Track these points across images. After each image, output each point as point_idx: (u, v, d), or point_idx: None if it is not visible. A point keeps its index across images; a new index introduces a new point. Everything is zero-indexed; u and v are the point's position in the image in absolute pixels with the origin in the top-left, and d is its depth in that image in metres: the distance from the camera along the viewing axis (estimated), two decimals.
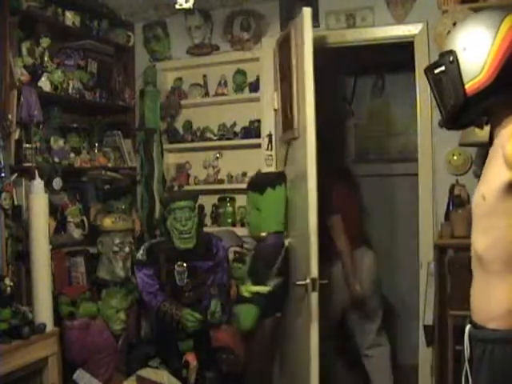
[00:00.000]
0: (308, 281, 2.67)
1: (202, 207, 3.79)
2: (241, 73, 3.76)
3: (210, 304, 3.16)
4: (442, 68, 1.53)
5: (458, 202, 2.97)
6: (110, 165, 3.63)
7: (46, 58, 3.13)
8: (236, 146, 3.78)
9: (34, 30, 3.10)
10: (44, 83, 3.08)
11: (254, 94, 3.69)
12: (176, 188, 3.77)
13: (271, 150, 3.60)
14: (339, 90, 4.51)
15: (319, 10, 3.44)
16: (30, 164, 2.90)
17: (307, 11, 2.79)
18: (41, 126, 3.02)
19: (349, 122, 4.61)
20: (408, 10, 3.25)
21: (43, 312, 2.66)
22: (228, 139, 3.77)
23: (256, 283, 2.78)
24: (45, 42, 3.12)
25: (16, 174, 2.86)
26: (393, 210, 4.42)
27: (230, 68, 3.78)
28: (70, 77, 3.30)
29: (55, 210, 3.13)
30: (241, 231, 3.68)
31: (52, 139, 3.25)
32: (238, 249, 3.61)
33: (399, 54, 3.42)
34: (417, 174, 3.31)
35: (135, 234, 3.38)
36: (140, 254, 3.24)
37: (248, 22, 3.67)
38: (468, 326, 1.55)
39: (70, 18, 3.34)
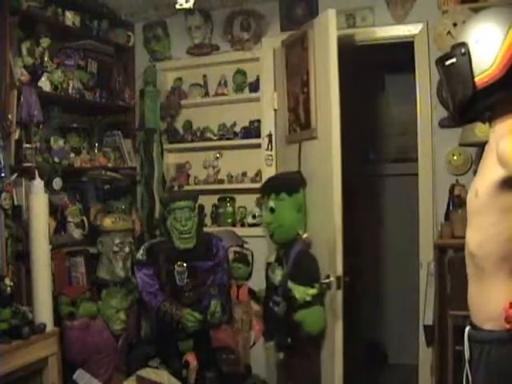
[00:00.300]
0: (332, 279, 2.72)
1: (202, 207, 3.79)
2: (241, 73, 3.76)
3: (209, 304, 3.16)
4: (454, 59, 1.53)
5: (458, 202, 2.97)
6: (110, 165, 3.63)
7: (46, 58, 3.13)
8: (236, 146, 3.78)
9: (34, 30, 3.10)
10: (44, 83, 3.08)
11: (253, 94, 3.69)
12: (176, 188, 3.77)
13: (271, 150, 3.60)
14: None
15: (319, 10, 3.44)
16: (29, 164, 2.90)
17: (332, 12, 2.79)
18: (41, 126, 3.02)
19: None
20: (408, 10, 3.25)
21: (43, 312, 2.65)
22: (228, 139, 3.77)
23: (305, 284, 2.76)
24: (45, 42, 3.12)
25: (16, 174, 2.86)
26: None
27: (230, 68, 3.78)
28: (70, 77, 3.30)
29: (55, 210, 3.13)
30: (241, 231, 3.69)
31: (52, 139, 3.25)
32: (238, 249, 3.61)
33: (399, 54, 3.42)
34: (417, 174, 3.31)
35: (135, 234, 3.38)
36: (140, 254, 3.25)
37: (248, 22, 3.68)
38: (467, 327, 1.56)
39: (70, 18, 3.34)
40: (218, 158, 3.85)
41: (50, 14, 3.21)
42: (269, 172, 3.60)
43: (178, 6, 2.82)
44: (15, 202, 2.80)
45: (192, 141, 3.85)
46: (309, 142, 3.03)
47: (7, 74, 2.87)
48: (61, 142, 3.31)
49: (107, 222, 3.20)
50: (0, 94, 2.84)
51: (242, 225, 3.74)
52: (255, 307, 3.62)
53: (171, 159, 3.98)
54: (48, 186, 2.90)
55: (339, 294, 2.72)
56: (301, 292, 2.71)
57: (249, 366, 3.60)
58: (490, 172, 1.45)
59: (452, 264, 2.85)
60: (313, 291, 2.72)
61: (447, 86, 1.59)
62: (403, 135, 4.43)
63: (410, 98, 3.40)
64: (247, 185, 3.72)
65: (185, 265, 3.17)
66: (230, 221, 3.77)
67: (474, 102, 1.51)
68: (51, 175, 2.98)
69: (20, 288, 2.78)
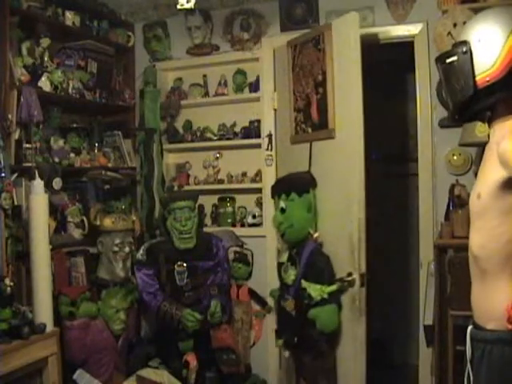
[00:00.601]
0: (355, 276, 2.76)
1: (202, 207, 3.79)
2: (241, 73, 3.76)
3: (210, 304, 3.16)
4: (455, 58, 1.53)
5: (458, 202, 2.96)
6: (110, 165, 3.63)
7: (46, 58, 3.14)
8: (236, 146, 3.78)
9: (33, 30, 3.10)
10: (44, 83, 3.08)
11: (253, 94, 3.69)
12: (176, 188, 3.77)
13: (271, 150, 3.60)
14: None
15: (319, 10, 3.44)
16: (30, 164, 2.89)
17: (355, 15, 2.85)
18: (41, 126, 3.02)
19: None
20: (408, 10, 3.25)
21: (43, 312, 2.65)
22: (228, 139, 3.76)
23: (321, 283, 2.78)
24: (45, 42, 3.12)
25: (16, 174, 2.86)
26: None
27: (230, 68, 3.78)
28: (70, 77, 3.30)
29: (55, 210, 3.12)
30: (241, 231, 3.69)
31: (52, 139, 3.25)
32: (237, 249, 3.61)
33: (399, 54, 3.42)
34: (417, 174, 3.31)
35: (135, 233, 3.37)
36: (140, 254, 3.25)
37: (248, 22, 3.67)
38: (470, 327, 1.56)
39: (70, 18, 3.34)
40: (218, 157, 3.85)
41: (50, 13, 3.21)
42: (269, 172, 3.60)
43: (179, 7, 2.82)
44: (15, 202, 2.80)
45: (192, 141, 3.85)
46: (323, 142, 3.04)
47: (7, 74, 2.87)
48: (61, 142, 3.31)
49: (107, 222, 3.20)
50: (0, 94, 2.84)
51: (242, 225, 3.74)
52: (255, 307, 3.63)
53: (171, 159, 3.98)
54: (48, 186, 2.90)
55: (363, 291, 2.77)
56: (317, 290, 2.75)
57: (249, 366, 3.61)
58: (491, 174, 1.44)
59: (452, 264, 2.85)
60: (331, 288, 2.76)
61: (447, 84, 1.59)
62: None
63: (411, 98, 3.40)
64: (247, 185, 3.71)
65: (185, 265, 3.18)
66: (229, 221, 3.77)
67: (475, 102, 1.51)
68: (51, 175, 2.98)
69: (20, 288, 2.78)
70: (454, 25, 3.03)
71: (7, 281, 2.55)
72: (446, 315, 2.87)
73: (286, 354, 2.92)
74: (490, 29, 1.48)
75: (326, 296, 2.73)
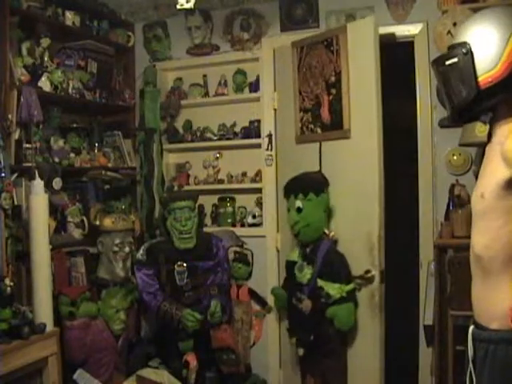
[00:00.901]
0: (374, 273, 2.84)
1: (202, 207, 3.79)
2: (241, 73, 3.76)
3: (210, 304, 3.16)
4: (455, 59, 1.52)
5: (458, 202, 2.96)
6: (110, 165, 3.63)
7: (46, 58, 3.14)
8: (236, 146, 3.78)
9: (33, 30, 3.10)
10: (44, 83, 3.08)
11: (253, 94, 3.69)
12: (176, 188, 3.77)
13: (271, 150, 3.60)
14: None
15: (319, 10, 3.44)
16: (30, 164, 2.89)
17: (372, 20, 2.93)
18: (41, 126, 3.02)
19: None
20: (408, 10, 3.25)
21: (43, 312, 2.65)
22: (228, 139, 3.76)
23: (340, 281, 2.81)
24: (45, 42, 3.13)
25: (16, 174, 2.86)
26: None
27: (230, 68, 3.78)
28: (70, 77, 3.30)
29: (55, 210, 3.13)
30: (241, 231, 3.69)
31: (52, 139, 3.25)
32: (237, 249, 3.61)
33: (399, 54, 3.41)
34: (417, 174, 3.31)
35: (135, 233, 3.38)
36: (140, 254, 3.25)
37: (248, 22, 3.67)
38: (471, 327, 1.55)
39: (70, 18, 3.34)
40: (218, 157, 3.85)
41: (50, 13, 3.21)
42: (269, 172, 3.60)
43: (178, 7, 2.82)
44: (15, 202, 2.80)
45: (192, 141, 3.85)
46: (336, 142, 3.07)
47: (7, 74, 2.87)
48: (61, 142, 3.31)
49: (107, 222, 3.20)
50: (0, 94, 2.84)
51: (242, 225, 3.74)
52: (255, 307, 3.63)
53: (171, 159, 3.98)
54: (48, 186, 2.90)
55: (382, 288, 2.86)
56: (335, 289, 2.79)
57: (249, 366, 3.61)
58: (495, 173, 1.44)
59: (452, 264, 2.85)
60: (350, 287, 2.81)
61: (446, 86, 1.58)
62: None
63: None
64: (247, 185, 3.71)
65: (185, 265, 3.17)
66: (229, 221, 3.77)
67: (477, 103, 1.50)
68: (51, 175, 2.98)
69: (20, 288, 2.78)
70: (454, 24, 3.03)
71: (7, 281, 2.55)
72: (446, 315, 2.87)
73: (301, 351, 2.93)
74: (492, 29, 1.47)
75: (344, 294, 2.78)
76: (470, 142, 2.82)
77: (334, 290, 2.79)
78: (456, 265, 2.79)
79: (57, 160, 3.19)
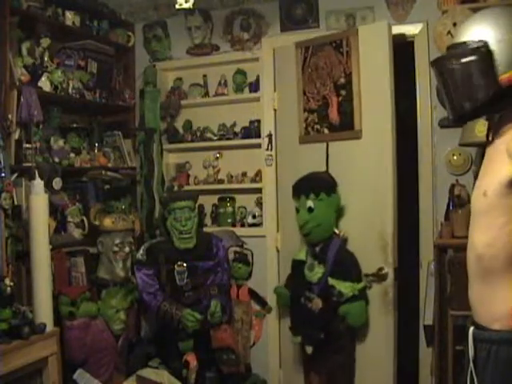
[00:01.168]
0: (386, 270, 2.90)
1: (202, 207, 3.79)
2: (241, 73, 3.76)
3: (210, 304, 3.16)
4: (473, 57, 1.48)
5: (458, 202, 2.96)
6: (110, 165, 3.63)
7: (46, 58, 3.14)
8: (236, 146, 3.78)
9: (33, 30, 3.10)
10: (44, 83, 3.08)
11: (253, 94, 3.69)
12: (176, 188, 3.77)
13: (271, 150, 3.60)
14: None
15: (319, 10, 3.44)
16: (30, 164, 2.90)
17: (385, 24, 2.95)
18: (41, 126, 3.02)
19: None
20: (408, 10, 3.25)
21: (43, 312, 2.65)
22: (228, 139, 3.76)
23: (352, 280, 2.83)
24: (45, 42, 3.13)
25: (16, 174, 2.86)
26: None
27: (230, 68, 3.78)
28: (70, 77, 3.30)
29: (55, 210, 3.13)
30: (241, 231, 3.69)
31: (52, 139, 3.25)
32: (237, 249, 3.61)
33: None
34: (417, 174, 3.30)
35: (135, 233, 3.38)
36: (140, 254, 3.25)
37: (248, 22, 3.67)
38: (471, 328, 1.55)
39: (70, 18, 3.34)
40: (218, 157, 3.85)
41: (50, 13, 3.21)
42: (269, 172, 3.61)
43: (177, 6, 2.82)
44: (15, 202, 2.80)
45: (192, 141, 3.85)
46: (345, 143, 3.09)
47: (7, 74, 2.87)
48: (61, 142, 3.31)
49: (107, 222, 3.20)
50: (0, 94, 2.84)
51: (242, 225, 3.74)
52: (255, 307, 3.63)
53: (171, 159, 3.98)
54: (48, 186, 2.90)
55: (395, 285, 2.93)
56: (348, 287, 2.81)
57: (249, 366, 3.61)
58: (498, 172, 1.44)
59: (452, 264, 2.85)
60: (362, 285, 2.85)
61: (458, 85, 1.53)
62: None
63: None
64: (247, 185, 3.71)
65: (185, 265, 3.18)
66: (229, 221, 3.77)
67: (495, 101, 1.48)
68: (51, 175, 2.98)
69: (20, 288, 2.78)
70: (454, 24, 3.03)
71: (7, 281, 2.55)
72: (446, 315, 2.87)
73: (310, 349, 2.95)
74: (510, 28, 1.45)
75: (356, 293, 2.81)
76: (470, 141, 2.82)
77: (346, 288, 2.81)
78: (456, 265, 2.79)
79: (57, 160, 3.19)
